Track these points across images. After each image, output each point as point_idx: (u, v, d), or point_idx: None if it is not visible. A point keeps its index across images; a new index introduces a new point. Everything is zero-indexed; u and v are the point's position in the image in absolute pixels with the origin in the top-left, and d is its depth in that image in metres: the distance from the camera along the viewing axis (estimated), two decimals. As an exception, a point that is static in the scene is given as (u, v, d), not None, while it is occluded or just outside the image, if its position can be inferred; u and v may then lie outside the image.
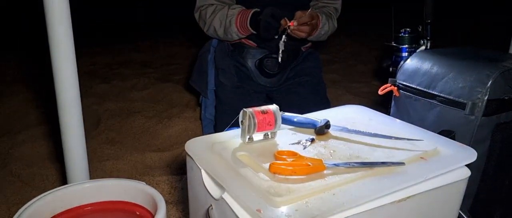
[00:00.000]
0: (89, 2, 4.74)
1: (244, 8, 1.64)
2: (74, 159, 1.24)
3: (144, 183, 1.16)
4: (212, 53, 1.82)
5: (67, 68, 1.15)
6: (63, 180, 1.34)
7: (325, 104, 1.82)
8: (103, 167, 1.75)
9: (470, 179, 0.87)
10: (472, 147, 0.98)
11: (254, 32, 1.62)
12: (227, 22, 1.63)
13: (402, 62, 1.30)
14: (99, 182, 1.15)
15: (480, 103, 1.06)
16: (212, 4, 1.69)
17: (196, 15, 1.76)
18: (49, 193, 1.09)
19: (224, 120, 1.73)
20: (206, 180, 0.82)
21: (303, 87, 1.81)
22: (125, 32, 4.75)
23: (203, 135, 1.75)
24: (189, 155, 0.88)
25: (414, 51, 1.46)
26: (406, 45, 1.54)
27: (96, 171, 1.71)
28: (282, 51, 1.64)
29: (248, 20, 1.60)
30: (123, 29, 4.90)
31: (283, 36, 1.58)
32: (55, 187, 1.14)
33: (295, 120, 0.98)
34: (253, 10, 1.60)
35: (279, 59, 1.63)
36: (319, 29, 1.67)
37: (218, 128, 1.78)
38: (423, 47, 1.48)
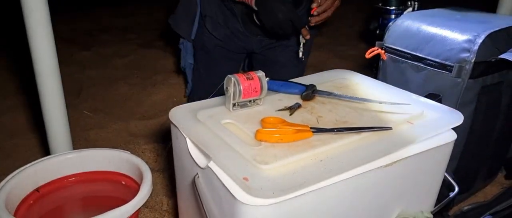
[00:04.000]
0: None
1: None
2: (55, 129, 1.21)
3: (128, 152, 1.14)
4: None
5: (43, 35, 1.10)
6: (47, 150, 1.32)
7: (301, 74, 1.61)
8: (87, 136, 1.72)
9: (456, 141, 0.87)
10: (458, 109, 0.98)
11: (255, 8, 1.31)
12: None
13: (389, 24, 1.27)
14: (82, 152, 1.13)
15: (467, 66, 1.05)
16: None
17: None
18: (31, 165, 1.07)
19: (201, 85, 1.61)
20: (191, 149, 0.80)
21: (284, 54, 1.61)
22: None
23: (189, 85, 1.67)
24: (173, 124, 0.86)
25: (402, 13, 1.44)
26: (394, 7, 1.52)
27: (79, 140, 1.68)
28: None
29: None
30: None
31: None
32: (39, 158, 1.11)
33: (281, 85, 0.96)
34: None
35: (301, 54, 1.40)
36: None
37: (195, 92, 1.66)
38: (410, 9, 1.45)
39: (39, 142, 1.67)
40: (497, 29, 1.09)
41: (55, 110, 1.20)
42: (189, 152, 0.80)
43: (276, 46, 1.63)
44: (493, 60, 1.08)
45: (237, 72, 0.87)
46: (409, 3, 1.45)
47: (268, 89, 0.90)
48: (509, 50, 1.09)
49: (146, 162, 1.14)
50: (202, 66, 1.62)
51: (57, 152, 1.24)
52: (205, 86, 1.17)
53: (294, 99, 0.93)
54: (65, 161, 1.12)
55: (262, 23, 1.35)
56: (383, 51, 1.25)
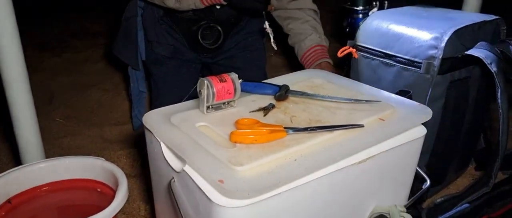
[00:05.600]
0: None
1: None
2: (26, 138, 1.19)
3: (103, 159, 1.13)
4: (140, 16, 1.54)
5: (10, 42, 1.08)
6: (18, 160, 1.29)
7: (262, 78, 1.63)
8: (60, 144, 1.69)
9: (426, 136, 0.89)
10: (428, 104, 1.01)
11: (225, 3, 1.31)
12: None
13: (360, 23, 1.29)
14: (55, 161, 1.11)
15: (435, 62, 1.08)
16: None
17: None
18: (2, 176, 1.04)
19: (163, 100, 1.50)
20: (166, 153, 0.80)
21: (243, 60, 1.60)
22: (74, 1, 4.51)
23: (133, 111, 1.65)
24: (147, 128, 0.85)
25: (367, 13, 1.48)
26: (360, 7, 1.55)
27: (52, 148, 1.64)
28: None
29: None
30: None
31: (266, 24, 1.35)
32: (10, 168, 1.09)
33: (254, 86, 0.97)
34: None
35: (275, 47, 1.40)
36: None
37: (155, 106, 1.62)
38: (375, 9, 1.49)
39: (9, 151, 1.62)
40: (463, 26, 1.12)
41: (25, 118, 1.17)
42: (164, 156, 0.80)
43: (231, 56, 1.60)
44: (459, 56, 1.11)
45: (197, 80, 0.86)
46: (374, 3, 1.49)
47: (242, 90, 0.90)
48: (475, 46, 1.12)
49: (122, 168, 1.13)
50: (160, 81, 1.57)
51: (29, 161, 1.21)
52: (167, 100, 1.14)
53: (268, 100, 0.94)
54: (38, 171, 1.10)
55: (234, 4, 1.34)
56: (354, 49, 1.27)
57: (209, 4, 1.33)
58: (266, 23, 1.37)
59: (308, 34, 1.50)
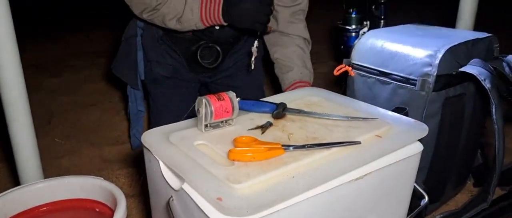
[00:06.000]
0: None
1: None
2: (24, 158, 1.19)
3: (101, 178, 1.13)
4: (139, 36, 1.55)
5: (10, 63, 1.09)
6: (17, 180, 1.29)
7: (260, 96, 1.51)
8: (59, 164, 1.69)
9: (424, 152, 0.90)
10: (424, 121, 1.02)
11: (225, 23, 1.33)
12: (187, 10, 1.31)
13: (355, 42, 1.31)
14: (53, 181, 1.11)
15: (429, 79, 1.10)
16: None
17: None
18: (1, 196, 1.04)
19: (162, 120, 1.40)
20: (165, 172, 0.80)
21: (240, 78, 1.61)
22: (74, 22, 4.56)
23: (132, 130, 1.66)
24: (146, 147, 0.86)
25: (358, 32, 1.51)
26: (353, 26, 1.58)
27: (51, 168, 1.64)
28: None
29: (220, 9, 1.29)
30: (71, 19, 4.71)
31: (255, 42, 1.34)
32: (8, 189, 1.09)
33: (252, 105, 0.98)
34: None
35: (252, 66, 1.37)
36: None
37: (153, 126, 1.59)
38: (366, 29, 1.52)
39: (8, 171, 1.62)
40: (456, 43, 1.14)
41: (24, 138, 1.18)
42: (163, 175, 0.80)
43: (230, 75, 1.61)
44: (454, 73, 1.13)
45: (195, 99, 0.87)
46: (365, 23, 1.52)
47: (240, 109, 0.91)
48: (469, 63, 1.14)
49: (121, 188, 1.13)
50: (158, 100, 1.59)
51: (28, 181, 1.21)
52: (166, 119, 1.15)
53: (265, 118, 0.95)
54: (36, 191, 1.10)
55: (234, 24, 1.34)
56: (350, 68, 1.29)
57: (210, 25, 1.35)
58: (256, 42, 1.35)
59: (291, 68, 1.50)
